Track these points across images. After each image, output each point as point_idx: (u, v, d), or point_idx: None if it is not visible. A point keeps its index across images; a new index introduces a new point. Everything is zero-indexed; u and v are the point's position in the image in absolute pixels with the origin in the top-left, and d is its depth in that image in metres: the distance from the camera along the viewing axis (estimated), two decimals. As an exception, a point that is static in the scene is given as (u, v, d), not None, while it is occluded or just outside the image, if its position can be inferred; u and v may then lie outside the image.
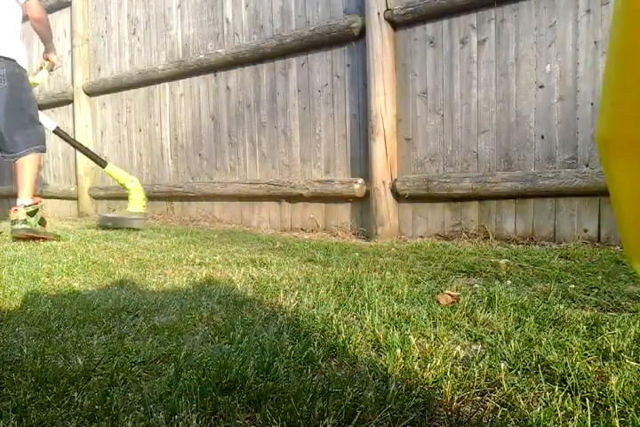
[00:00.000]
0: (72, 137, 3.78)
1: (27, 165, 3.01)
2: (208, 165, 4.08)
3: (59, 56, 3.59)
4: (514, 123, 2.63)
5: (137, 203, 3.64)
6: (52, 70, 3.55)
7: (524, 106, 2.60)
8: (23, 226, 2.87)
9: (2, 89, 2.94)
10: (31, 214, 2.94)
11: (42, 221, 3.04)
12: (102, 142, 4.96)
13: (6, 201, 6.03)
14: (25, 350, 1.07)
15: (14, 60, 3.00)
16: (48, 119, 3.55)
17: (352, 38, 3.14)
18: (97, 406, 0.82)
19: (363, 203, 3.16)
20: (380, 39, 2.95)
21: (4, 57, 2.95)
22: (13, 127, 2.99)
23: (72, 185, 5.18)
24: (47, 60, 3.45)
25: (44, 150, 3.16)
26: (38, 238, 2.94)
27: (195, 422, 0.76)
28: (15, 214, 2.90)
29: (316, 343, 1.10)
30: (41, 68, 3.50)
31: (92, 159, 3.72)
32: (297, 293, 1.59)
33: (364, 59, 3.05)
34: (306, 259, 2.30)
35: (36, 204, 3.01)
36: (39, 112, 3.26)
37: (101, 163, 3.70)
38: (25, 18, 3.18)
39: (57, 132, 3.54)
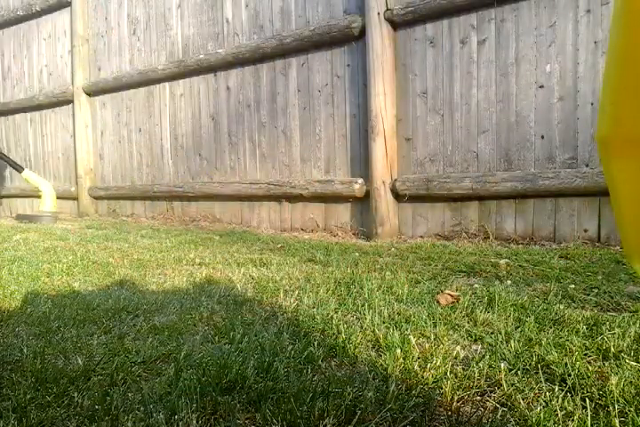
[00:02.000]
0: None
1: None
2: (208, 165, 4.08)
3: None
4: (514, 123, 2.63)
5: (50, 203, 4.50)
6: None
7: (524, 106, 2.60)
8: None
9: None
10: None
11: None
12: (102, 142, 4.95)
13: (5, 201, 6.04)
14: (25, 350, 1.07)
15: None
16: None
17: (352, 38, 3.14)
18: (97, 406, 0.82)
19: (363, 203, 3.16)
20: (380, 39, 2.95)
21: None
22: None
23: (72, 185, 5.17)
24: None
25: None
26: None
27: (195, 422, 0.76)
28: None
29: (315, 343, 1.10)
30: None
31: (8, 163, 4.47)
32: (297, 293, 1.59)
33: (364, 59, 3.05)
34: (306, 259, 2.30)
35: None
36: None
37: (17, 168, 4.31)
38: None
39: None
